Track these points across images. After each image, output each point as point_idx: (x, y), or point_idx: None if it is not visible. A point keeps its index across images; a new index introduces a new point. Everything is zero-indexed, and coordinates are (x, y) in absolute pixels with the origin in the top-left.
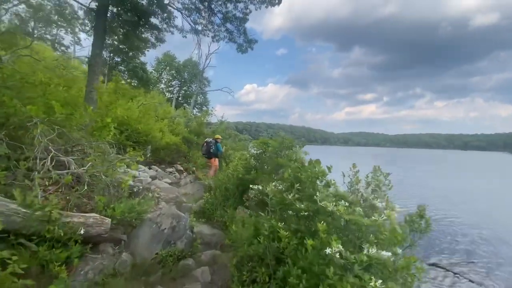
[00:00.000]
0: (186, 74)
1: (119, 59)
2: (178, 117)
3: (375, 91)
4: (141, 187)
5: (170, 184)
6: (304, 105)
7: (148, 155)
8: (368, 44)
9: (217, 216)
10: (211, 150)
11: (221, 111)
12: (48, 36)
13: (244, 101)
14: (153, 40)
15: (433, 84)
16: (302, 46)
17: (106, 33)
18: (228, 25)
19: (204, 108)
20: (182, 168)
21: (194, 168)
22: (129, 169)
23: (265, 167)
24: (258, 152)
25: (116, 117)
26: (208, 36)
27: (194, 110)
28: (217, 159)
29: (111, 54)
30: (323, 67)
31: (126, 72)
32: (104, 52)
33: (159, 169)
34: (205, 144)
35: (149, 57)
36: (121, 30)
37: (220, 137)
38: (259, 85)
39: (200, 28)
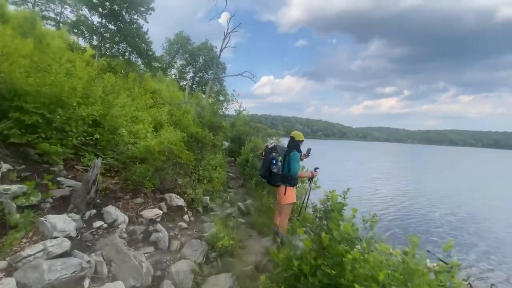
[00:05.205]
0: (201, 58)
1: (114, 27)
2: (188, 103)
3: (395, 84)
4: None
5: None
6: (320, 97)
7: (93, 181)
8: (387, 36)
9: None
10: (273, 168)
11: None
12: None
13: (259, 93)
14: None
15: (457, 78)
16: (320, 38)
17: None
18: None
19: (221, 98)
20: (182, 203)
21: (210, 199)
22: None
23: None
24: None
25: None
26: None
27: (210, 100)
28: (291, 189)
29: (103, 20)
30: (341, 60)
31: (121, 44)
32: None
33: (122, 218)
34: (263, 153)
35: (157, 38)
36: None
37: (301, 136)
38: (276, 77)
39: None
